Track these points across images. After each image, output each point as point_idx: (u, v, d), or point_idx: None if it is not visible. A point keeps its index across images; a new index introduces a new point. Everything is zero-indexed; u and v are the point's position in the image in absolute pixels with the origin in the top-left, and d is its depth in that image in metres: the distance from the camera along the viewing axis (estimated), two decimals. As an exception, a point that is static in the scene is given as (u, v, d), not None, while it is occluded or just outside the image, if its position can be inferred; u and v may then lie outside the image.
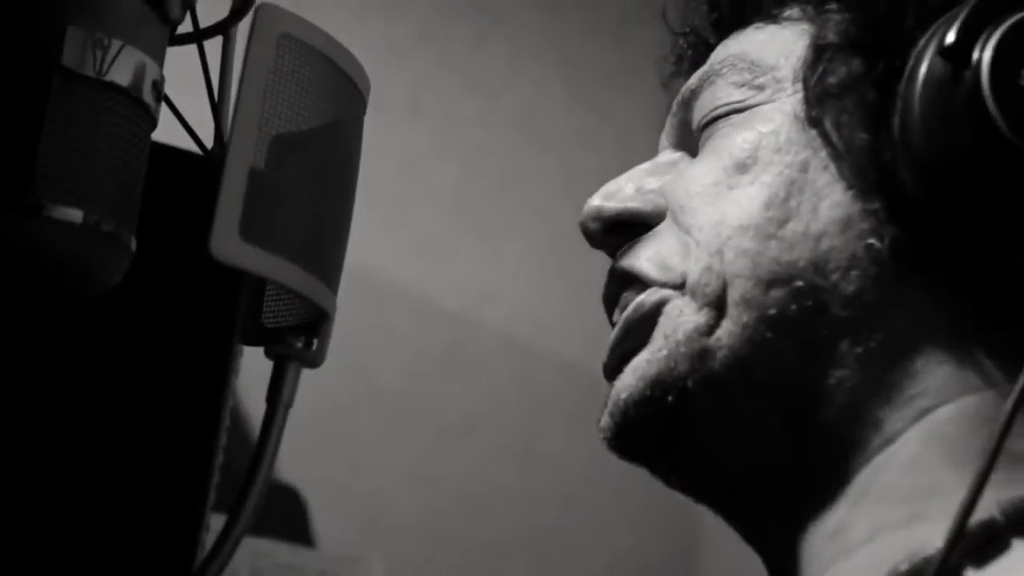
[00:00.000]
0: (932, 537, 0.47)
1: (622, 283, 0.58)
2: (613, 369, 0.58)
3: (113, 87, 0.44)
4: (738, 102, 0.57)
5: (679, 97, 0.61)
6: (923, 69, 0.49)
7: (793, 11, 0.58)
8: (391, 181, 2.45)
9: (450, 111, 2.54)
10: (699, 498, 0.58)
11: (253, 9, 0.43)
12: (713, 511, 0.59)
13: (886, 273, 0.52)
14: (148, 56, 0.45)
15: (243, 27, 0.54)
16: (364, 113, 0.48)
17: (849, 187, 0.52)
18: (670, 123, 0.62)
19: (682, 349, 0.53)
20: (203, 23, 0.55)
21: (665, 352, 0.53)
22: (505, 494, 2.44)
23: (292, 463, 1.75)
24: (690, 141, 0.60)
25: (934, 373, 0.51)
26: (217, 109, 0.54)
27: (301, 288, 0.43)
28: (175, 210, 0.53)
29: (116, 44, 0.44)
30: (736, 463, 0.55)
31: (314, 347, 0.47)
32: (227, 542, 0.44)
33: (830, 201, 0.53)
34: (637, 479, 0.72)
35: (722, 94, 0.58)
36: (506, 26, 2.61)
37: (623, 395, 0.55)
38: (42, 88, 0.43)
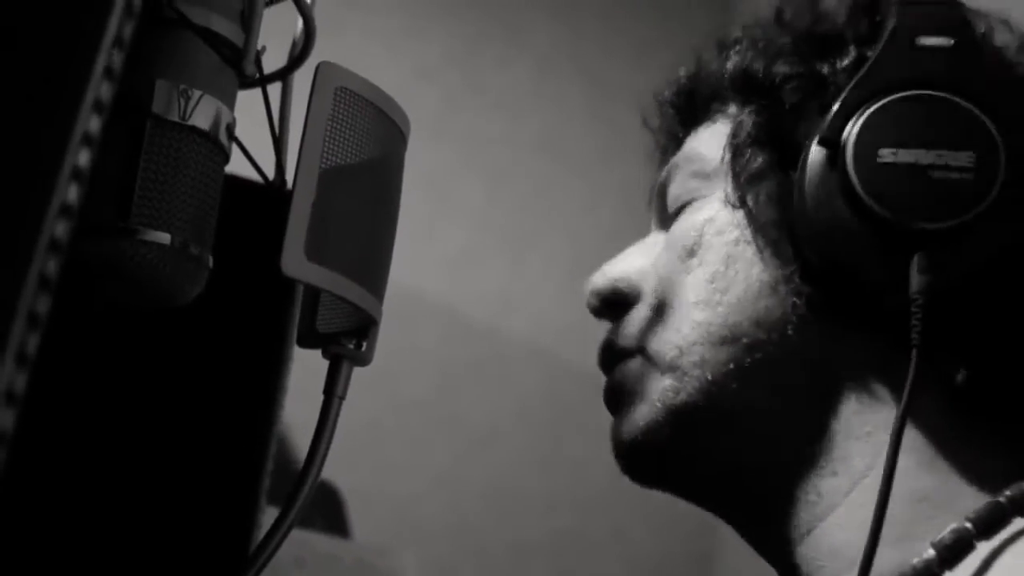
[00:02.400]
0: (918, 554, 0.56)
1: (604, 352, 0.69)
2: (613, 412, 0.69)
3: (195, 130, 0.52)
4: (692, 190, 0.67)
5: (656, 187, 0.72)
6: (809, 156, 0.58)
7: (730, 108, 0.67)
8: (419, 198, 2.52)
9: (476, 130, 2.61)
10: (711, 511, 0.68)
11: (316, 66, 0.51)
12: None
13: (814, 328, 0.60)
14: (223, 103, 0.54)
15: (300, 74, 0.62)
16: (405, 149, 0.56)
17: (771, 256, 0.62)
18: (653, 209, 0.73)
19: (659, 406, 0.63)
20: (265, 70, 0.63)
21: (646, 409, 0.64)
22: (528, 498, 2.51)
23: (328, 467, 1.83)
24: (667, 222, 0.70)
25: (873, 410, 0.60)
26: (278, 145, 0.63)
27: (355, 299, 0.51)
28: (243, 232, 0.61)
29: (197, 93, 0.53)
30: (725, 488, 0.65)
31: (364, 348, 0.54)
32: (284, 523, 0.51)
33: (759, 268, 0.62)
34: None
35: (680, 187, 0.68)
36: (530, 48, 2.68)
37: (624, 444, 0.66)
38: (137, 132, 0.51)
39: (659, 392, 0.64)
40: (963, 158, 0.56)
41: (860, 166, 0.56)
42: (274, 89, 0.63)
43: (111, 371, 0.64)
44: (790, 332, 0.61)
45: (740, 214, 0.63)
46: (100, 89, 0.40)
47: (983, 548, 0.56)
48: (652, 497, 0.70)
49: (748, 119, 0.64)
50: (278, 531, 0.52)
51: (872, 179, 0.56)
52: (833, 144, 0.57)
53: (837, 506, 0.60)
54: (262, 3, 0.53)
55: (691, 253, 0.65)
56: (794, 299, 0.61)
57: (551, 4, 2.70)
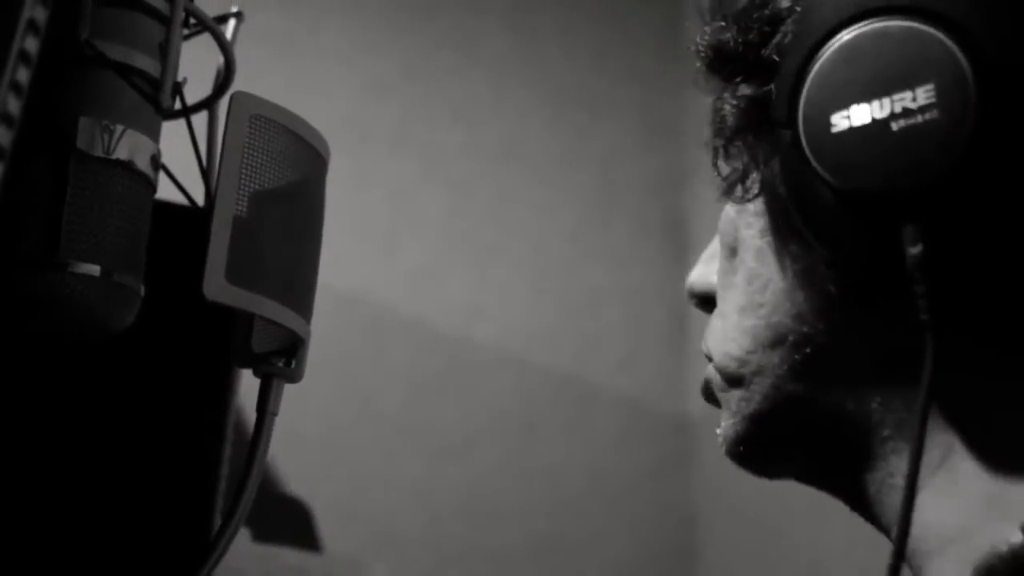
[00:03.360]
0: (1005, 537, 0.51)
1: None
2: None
3: (119, 163, 0.54)
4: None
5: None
6: (776, 138, 0.52)
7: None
8: (381, 212, 2.54)
9: (435, 142, 2.63)
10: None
11: (229, 94, 0.53)
12: None
13: (853, 309, 0.55)
14: (146, 135, 0.56)
15: (225, 102, 0.64)
16: (326, 172, 0.58)
17: (794, 244, 0.56)
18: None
19: (739, 417, 0.61)
20: (191, 99, 0.65)
21: (732, 421, 0.62)
22: (504, 505, 2.52)
23: (300, 482, 1.84)
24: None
25: (952, 392, 0.54)
26: (206, 172, 0.64)
27: (280, 319, 0.53)
28: (177, 257, 0.63)
29: (119, 128, 0.54)
30: (827, 477, 0.62)
31: (293, 366, 0.56)
32: (227, 530, 0.53)
33: (789, 259, 0.57)
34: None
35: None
36: (486, 57, 2.70)
37: (725, 450, 0.63)
38: (62, 168, 0.53)
39: (735, 403, 0.61)
40: (923, 95, 0.47)
41: (815, 144, 0.49)
42: (202, 117, 0.65)
43: (59, 398, 0.65)
44: (830, 324, 0.56)
45: (759, 201, 0.58)
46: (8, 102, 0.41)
47: None
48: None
49: (727, 100, 0.58)
50: (221, 537, 0.53)
51: (831, 155, 0.48)
52: (789, 123, 0.50)
53: (922, 488, 0.55)
54: (178, 40, 0.55)
55: (733, 252, 0.61)
56: (829, 285, 0.55)
57: (505, 12, 2.72)
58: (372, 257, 2.51)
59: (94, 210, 0.54)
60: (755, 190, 0.58)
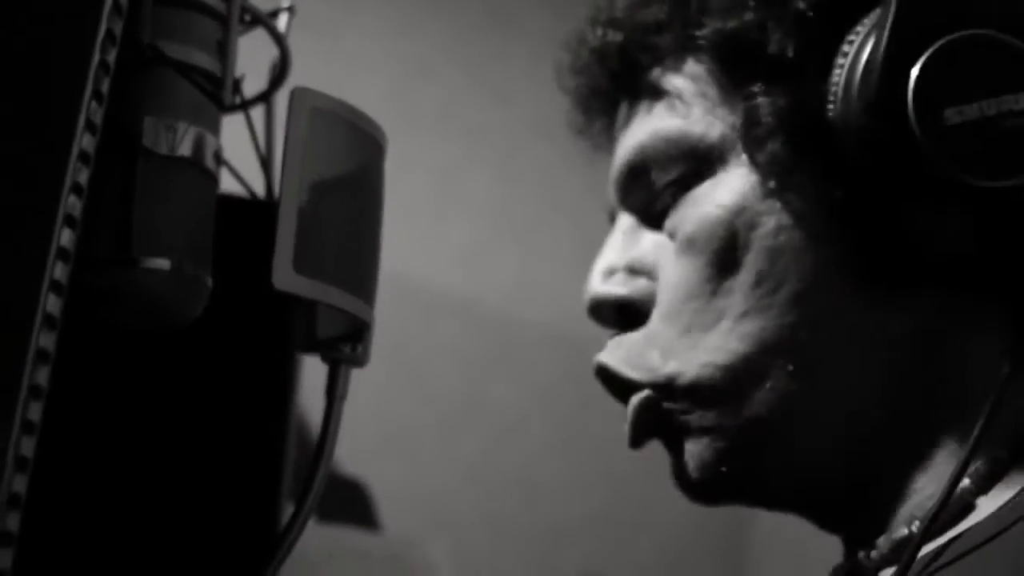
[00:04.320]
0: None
1: (615, 380, 0.63)
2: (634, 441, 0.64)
3: (184, 160, 0.56)
4: (687, 175, 0.60)
5: (622, 169, 0.64)
6: (855, 127, 0.52)
7: (694, 71, 0.60)
8: (427, 193, 2.56)
9: (477, 122, 2.65)
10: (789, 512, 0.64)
11: (290, 90, 0.55)
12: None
13: (871, 307, 0.56)
14: (208, 132, 0.57)
15: (282, 96, 0.65)
16: (384, 158, 0.59)
17: (818, 239, 0.56)
18: (617, 192, 0.66)
19: (724, 432, 0.58)
20: (247, 93, 0.66)
21: (709, 439, 0.59)
22: (558, 482, 2.54)
23: (357, 463, 1.87)
24: (651, 207, 0.63)
25: (945, 365, 0.56)
26: (266, 164, 0.66)
27: (345, 306, 0.55)
28: (243, 248, 0.64)
29: (182, 126, 0.56)
30: (805, 495, 0.61)
31: (359, 350, 0.58)
32: (299, 517, 0.55)
33: (809, 256, 0.56)
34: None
35: (668, 169, 0.61)
36: (523, 37, 2.71)
37: (692, 478, 0.60)
38: (130, 166, 0.55)
39: (712, 419, 0.58)
40: None
41: (930, 134, 0.50)
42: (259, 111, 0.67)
43: (130, 392, 0.67)
44: (847, 318, 0.56)
45: (771, 200, 0.57)
46: (83, 141, 0.43)
47: (982, 503, 0.54)
48: None
49: (759, 102, 0.56)
50: (292, 528, 0.55)
51: (946, 144, 0.50)
52: (886, 112, 0.51)
53: (898, 466, 0.57)
54: (235, 36, 0.56)
55: (725, 257, 0.58)
56: (850, 279, 0.56)
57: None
58: (420, 239, 2.53)
59: (161, 206, 0.55)
60: (787, 185, 0.56)
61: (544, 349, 2.60)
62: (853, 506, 0.60)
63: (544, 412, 2.56)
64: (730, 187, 0.58)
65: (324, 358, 0.58)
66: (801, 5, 0.55)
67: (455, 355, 2.52)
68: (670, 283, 0.60)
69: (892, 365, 0.57)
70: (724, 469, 0.59)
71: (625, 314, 0.63)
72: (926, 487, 0.56)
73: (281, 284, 0.52)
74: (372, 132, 0.58)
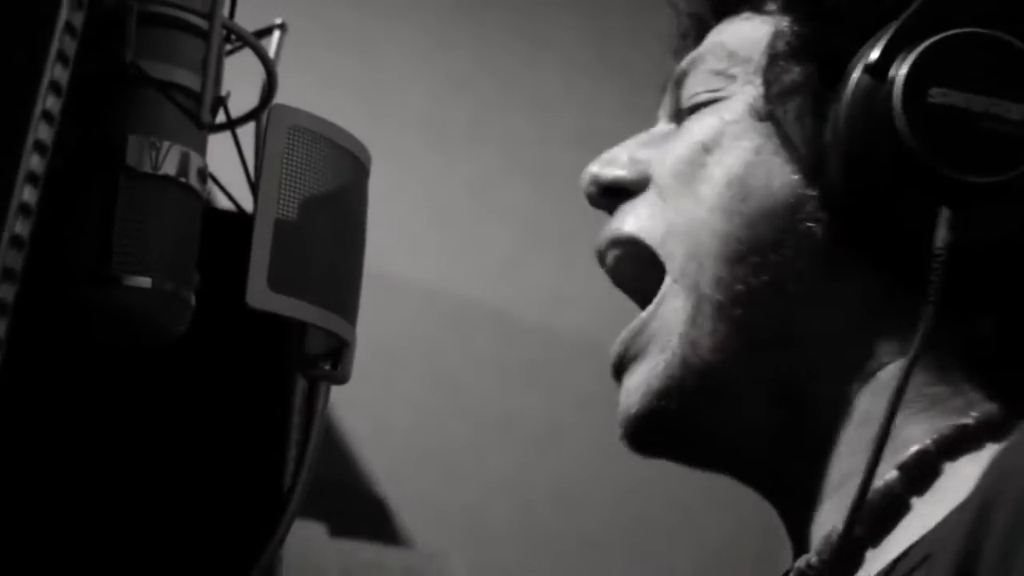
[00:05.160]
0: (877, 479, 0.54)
1: (620, 244, 0.67)
2: (617, 369, 0.67)
3: (167, 178, 0.56)
4: (714, 91, 0.64)
5: (673, 76, 0.68)
6: (852, 82, 0.56)
7: (772, 5, 0.64)
8: (463, 204, 2.56)
9: (513, 132, 2.65)
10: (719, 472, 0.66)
11: (268, 108, 0.55)
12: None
13: (827, 257, 0.59)
14: (192, 150, 0.58)
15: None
16: (367, 178, 0.59)
17: (793, 173, 0.59)
18: (667, 99, 0.69)
19: (678, 359, 0.61)
20: (245, 109, 0.67)
21: (663, 365, 0.61)
22: (595, 492, 2.53)
23: (388, 475, 1.87)
24: (680, 116, 0.67)
25: (878, 340, 0.58)
26: (253, 182, 0.66)
27: (324, 323, 0.55)
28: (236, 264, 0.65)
29: (166, 144, 0.56)
30: (736, 443, 0.63)
31: (340, 368, 0.58)
32: (274, 536, 0.55)
33: (779, 182, 0.59)
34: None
35: (701, 81, 0.64)
36: (557, 47, 2.71)
37: (632, 411, 0.63)
38: (112, 184, 0.55)
39: (681, 327, 0.61)
40: (1017, 111, 0.53)
41: (908, 103, 0.53)
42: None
43: (121, 408, 0.68)
44: (804, 259, 0.59)
45: (765, 125, 0.61)
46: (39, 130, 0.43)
47: (948, 470, 0.55)
48: (721, 481, 0.68)
49: (790, 27, 0.61)
50: (267, 548, 0.55)
51: (918, 119, 0.53)
52: (882, 74, 0.54)
53: (837, 440, 0.59)
54: (215, 55, 0.56)
55: (707, 149, 0.62)
56: (811, 224, 0.58)
57: (572, 7, 2.73)
58: (456, 249, 2.53)
59: (144, 224, 0.56)
60: (784, 115, 0.59)
61: (581, 360, 2.59)
62: (782, 476, 0.62)
63: (580, 422, 2.56)
64: (738, 102, 0.62)
65: (304, 376, 0.59)
66: None
67: (491, 365, 2.52)
68: (659, 160, 0.65)
69: (833, 335, 0.59)
70: (664, 404, 0.61)
71: (614, 196, 0.66)
72: (853, 472, 0.57)
73: (254, 302, 0.52)
74: (354, 151, 0.58)
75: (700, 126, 0.63)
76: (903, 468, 0.55)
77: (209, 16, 0.57)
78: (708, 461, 0.66)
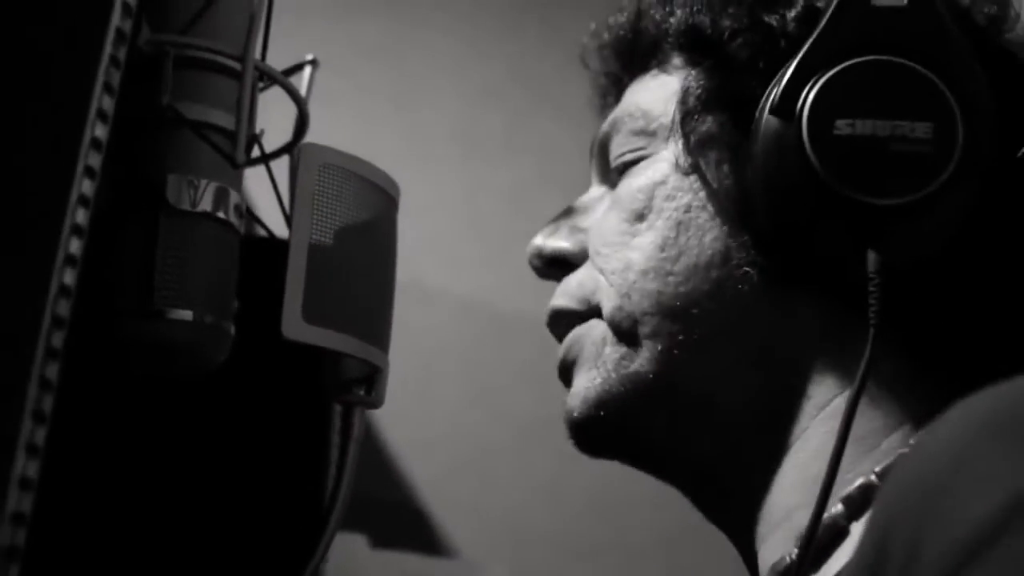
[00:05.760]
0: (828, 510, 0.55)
1: (555, 318, 0.69)
2: (561, 372, 0.70)
3: (205, 215, 0.58)
4: (637, 150, 0.66)
5: (598, 139, 0.71)
6: (763, 125, 0.57)
7: (674, 60, 0.66)
8: (497, 215, 2.58)
9: (546, 143, 2.67)
10: (664, 480, 0.68)
11: (299, 147, 0.57)
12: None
13: (767, 297, 0.60)
14: (229, 186, 0.60)
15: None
16: (396, 210, 0.62)
17: (723, 224, 0.61)
18: (594, 163, 0.72)
19: (613, 375, 0.63)
20: (280, 141, 0.69)
21: (600, 380, 0.64)
22: (634, 500, 2.54)
23: (428, 486, 1.89)
24: (611, 177, 0.69)
25: (826, 373, 0.60)
26: (288, 217, 0.69)
27: (356, 352, 0.57)
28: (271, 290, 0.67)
29: (203, 182, 0.59)
30: (676, 461, 0.65)
31: (373, 393, 0.60)
32: (318, 548, 0.57)
33: (711, 236, 0.61)
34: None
35: (624, 144, 0.67)
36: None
37: (574, 415, 0.66)
38: (153, 222, 0.58)
39: (613, 361, 0.63)
40: (921, 129, 0.54)
41: (816, 139, 0.54)
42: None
43: (166, 434, 0.70)
44: (743, 303, 0.60)
45: (692, 179, 0.62)
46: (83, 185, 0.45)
47: None
48: None
49: (696, 80, 0.62)
50: (307, 568, 0.57)
51: (829, 153, 0.54)
52: (787, 114, 0.55)
53: (774, 469, 0.60)
54: (249, 95, 0.59)
55: (640, 217, 0.64)
56: (747, 269, 0.60)
57: (603, 12, 2.74)
58: (492, 260, 2.55)
59: (184, 259, 0.58)
60: (706, 166, 0.61)
61: (618, 367, 2.60)
62: (724, 497, 0.64)
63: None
64: (663, 162, 0.64)
65: (339, 401, 0.61)
66: (750, 18, 0.61)
67: (529, 374, 2.54)
68: (594, 229, 0.67)
69: (771, 364, 0.61)
70: (602, 413, 0.64)
71: (559, 266, 0.69)
72: (794, 499, 0.58)
73: (290, 333, 0.55)
74: (382, 185, 0.60)
75: (629, 192, 0.65)
76: (847, 501, 0.57)
77: (242, 58, 0.59)
78: (656, 472, 0.68)
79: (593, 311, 0.66)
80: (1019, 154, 0.56)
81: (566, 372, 0.68)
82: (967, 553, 0.36)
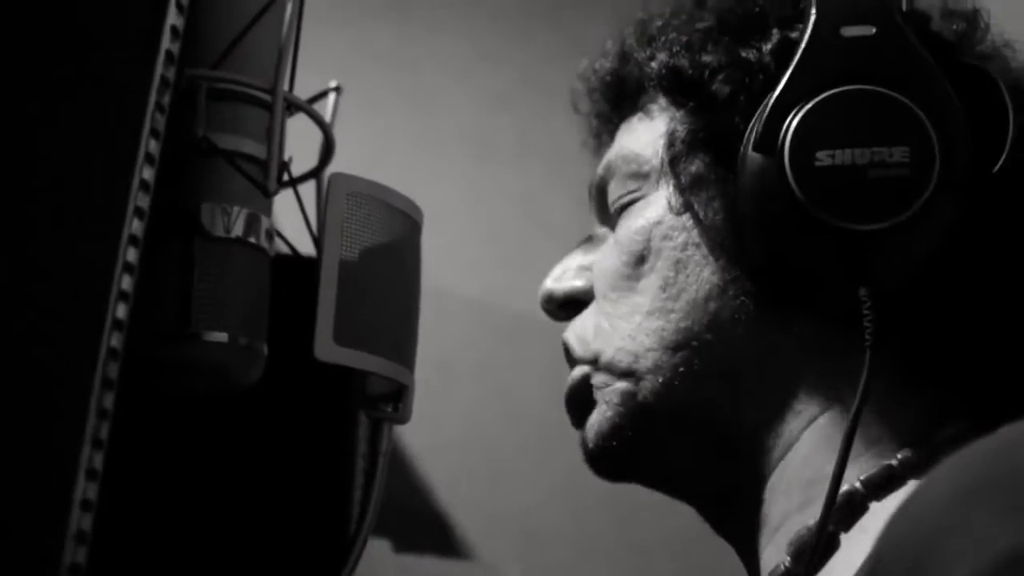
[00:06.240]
0: (815, 515, 0.59)
1: (566, 350, 0.73)
2: (575, 422, 0.73)
3: (238, 240, 0.61)
4: (632, 192, 0.68)
5: (595, 184, 0.73)
6: (747, 161, 0.59)
7: (662, 101, 0.68)
8: (510, 220, 2.61)
9: (557, 148, 2.69)
10: (680, 499, 0.72)
11: (328, 177, 0.60)
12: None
13: (761, 323, 0.63)
14: (260, 212, 0.63)
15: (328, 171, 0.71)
16: (420, 233, 0.64)
17: (717, 259, 0.63)
18: (594, 205, 0.75)
19: (621, 409, 0.66)
20: (308, 164, 0.72)
21: (610, 413, 0.67)
22: (648, 499, 2.56)
23: (444, 488, 1.92)
24: (611, 219, 0.72)
25: (818, 389, 0.62)
26: (317, 239, 0.71)
27: (384, 371, 0.60)
28: (301, 307, 0.69)
29: (236, 209, 0.61)
30: (684, 480, 0.69)
31: (400, 409, 0.63)
32: (351, 555, 0.60)
33: (708, 271, 0.64)
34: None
35: (620, 187, 0.69)
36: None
37: (589, 447, 0.69)
38: (189, 248, 0.61)
39: (617, 396, 0.66)
40: (899, 153, 0.56)
41: (798, 172, 0.56)
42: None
43: (203, 449, 0.73)
44: (740, 331, 0.63)
45: (685, 217, 0.64)
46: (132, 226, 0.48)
47: (875, 508, 0.59)
48: None
49: (681, 123, 0.64)
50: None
51: (811, 184, 0.56)
52: (769, 149, 0.57)
53: (769, 479, 0.63)
54: (279, 125, 0.61)
55: (641, 260, 0.66)
56: (742, 298, 0.62)
57: (613, 17, 2.76)
58: (505, 263, 2.57)
59: (219, 283, 0.61)
60: (698, 204, 0.63)
61: (631, 368, 2.62)
62: (728, 512, 0.67)
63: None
64: (658, 203, 0.66)
65: (368, 416, 0.63)
66: (710, 30, 0.64)
67: (543, 377, 2.56)
68: (599, 271, 0.70)
69: (766, 386, 0.63)
70: (614, 443, 0.67)
71: (571, 307, 0.72)
72: (785, 505, 0.62)
73: (322, 355, 0.57)
74: (407, 210, 0.63)
75: (628, 234, 0.67)
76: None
77: (272, 91, 0.62)
78: (669, 492, 0.72)
79: (586, 357, 0.69)
80: (995, 168, 0.57)
81: (576, 414, 0.72)
82: None
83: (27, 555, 0.41)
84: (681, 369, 0.64)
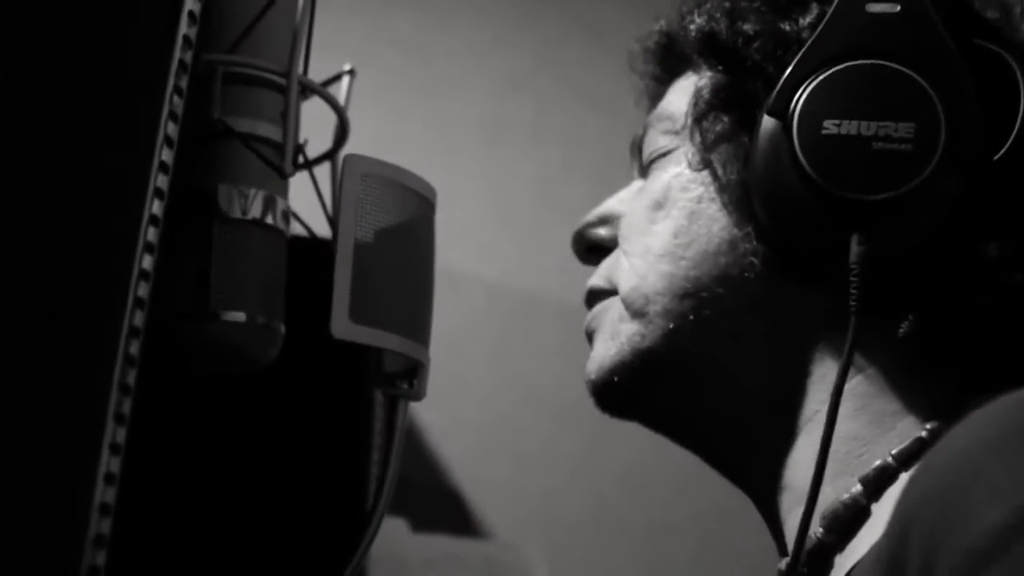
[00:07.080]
0: (846, 487, 0.61)
1: (590, 296, 0.75)
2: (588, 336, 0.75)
3: (255, 222, 0.62)
4: (662, 148, 0.71)
5: (637, 139, 0.76)
6: (761, 125, 0.61)
7: (703, 64, 0.70)
8: (526, 202, 2.61)
9: (572, 131, 2.69)
10: (682, 445, 0.73)
11: (343, 158, 0.61)
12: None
13: (770, 282, 0.64)
14: (276, 194, 0.64)
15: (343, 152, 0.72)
16: (434, 212, 0.65)
17: (730, 215, 0.65)
18: (634, 161, 0.77)
19: (627, 348, 0.68)
20: (323, 146, 0.73)
21: (615, 351, 0.69)
22: (666, 477, 2.57)
23: (461, 469, 1.93)
24: (645, 172, 0.74)
25: (833, 356, 0.64)
26: (332, 219, 0.72)
27: (399, 348, 0.61)
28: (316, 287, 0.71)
29: (253, 191, 0.63)
30: (685, 432, 0.71)
31: (415, 386, 0.64)
32: (367, 530, 0.61)
33: (719, 226, 0.66)
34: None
35: (653, 142, 0.72)
36: (613, 47, 2.74)
37: (591, 377, 0.72)
38: (207, 230, 0.62)
39: (627, 335, 0.68)
40: (904, 129, 0.57)
41: (805, 138, 0.58)
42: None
43: (221, 427, 0.74)
44: (747, 288, 0.64)
45: (704, 173, 0.67)
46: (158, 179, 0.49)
47: (904, 478, 0.59)
48: None
49: (710, 82, 0.67)
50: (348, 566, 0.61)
51: (816, 151, 0.58)
52: (781, 115, 0.59)
53: (791, 445, 0.65)
54: (294, 108, 0.63)
55: (658, 206, 0.69)
56: (751, 258, 0.64)
57: (628, 3, 2.76)
58: (520, 246, 2.58)
59: (236, 264, 0.62)
60: (717, 162, 0.65)
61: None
62: (739, 465, 0.69)
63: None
64: (681, 156, 0.69)
65: (384, 394, 0.65)
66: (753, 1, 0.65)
67: (557, 357, 2.56)
68: (626, 214, 0.72)
69: (775, 344, 0.65)
70: (616, 379, 0.69)
71: (597, 252, 0.75)
72: (823, 484, 0.61)
73: (338, 333, 0.58)
74: (420, 190, 0.64)
75: (652, 184, 0.70)
76: (865, 481, 0.61)
77: (287, 74, 0.63)
78: (672, 436, 0.73)
79: (615, 290, 0.71)
80: (1000, 153, 0.58)
81: (590, 338, 0.74)
82: (979, 561, 0.39)
83: (53, 520, 0.42)
84: (690, 317, 0.66)
